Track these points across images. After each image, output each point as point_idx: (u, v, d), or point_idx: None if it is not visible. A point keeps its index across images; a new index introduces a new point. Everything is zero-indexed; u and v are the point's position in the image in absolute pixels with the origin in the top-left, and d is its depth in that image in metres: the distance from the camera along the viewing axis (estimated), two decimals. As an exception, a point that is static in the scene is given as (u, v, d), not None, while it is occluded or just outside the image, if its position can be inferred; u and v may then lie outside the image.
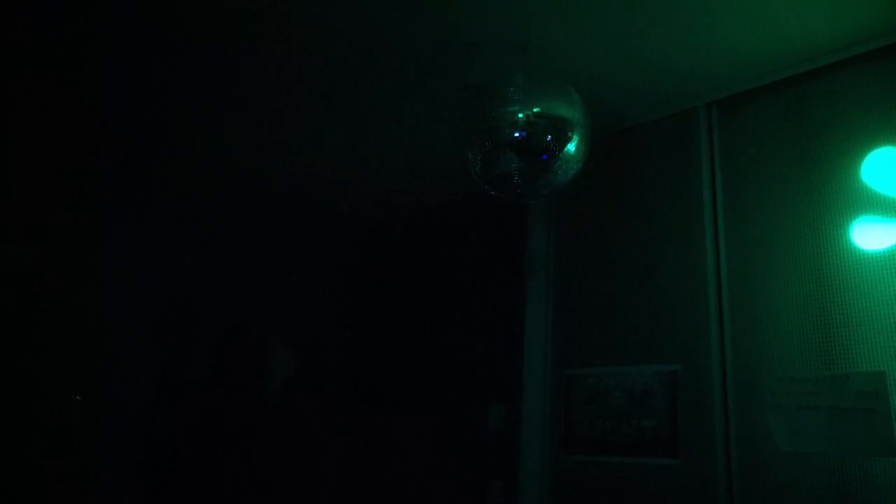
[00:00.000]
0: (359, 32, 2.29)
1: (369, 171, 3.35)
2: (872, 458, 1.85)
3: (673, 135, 2.62)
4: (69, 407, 2.66)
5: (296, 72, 2.55)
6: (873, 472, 1.84)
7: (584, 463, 2.47)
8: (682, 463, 2.22)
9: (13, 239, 2.63)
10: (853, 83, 2.20)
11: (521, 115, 2.24)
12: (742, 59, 2.32)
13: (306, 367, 3.43)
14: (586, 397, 2.54)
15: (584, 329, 2.65)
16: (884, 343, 1.92)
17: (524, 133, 2.25)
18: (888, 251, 1.99)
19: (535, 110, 2.24)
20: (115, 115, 2.94)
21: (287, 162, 3.32)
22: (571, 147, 2.30)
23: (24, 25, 2.36)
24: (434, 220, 3.74)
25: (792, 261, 2.17)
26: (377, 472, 3.36)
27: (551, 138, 2.27)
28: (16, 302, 2.60)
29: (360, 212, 3.91)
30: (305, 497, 3.34)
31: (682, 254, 2.44)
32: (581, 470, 2.48)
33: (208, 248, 3.25)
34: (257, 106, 2.82)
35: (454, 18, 2.19)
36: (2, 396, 2.50)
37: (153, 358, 2.95)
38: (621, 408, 2.42)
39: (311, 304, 3.66)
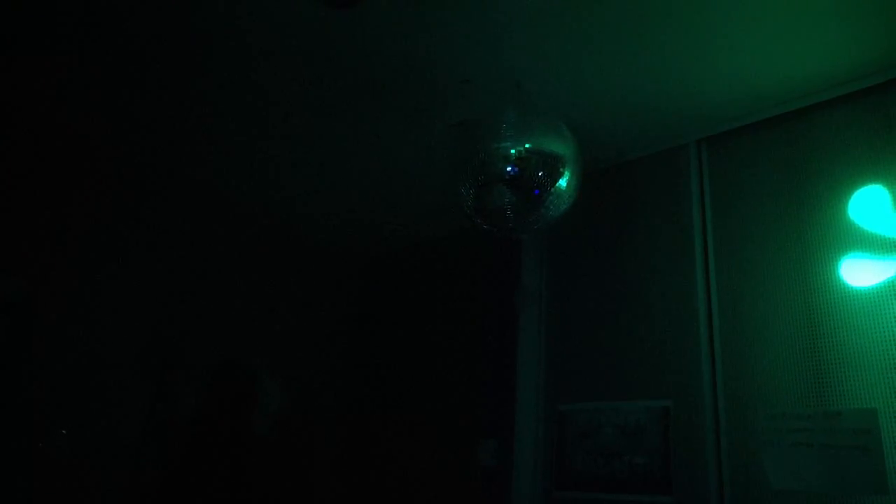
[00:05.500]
0: (354, 69, 2.32)
1: (363, 204, 3.37)
2: (865, 495, 1.84)
3: (664, 171, 2.65)
4: (56, 440, 2.63)
5: (290, 106, 2.58)
6: (866, 511, 1.83)
7: (577, 499, 2.44)
8: (674, 500, 2.20)
9: (4, 272, 2.63)
10: (841, 122, 2.23)
11: (513, 151, 2.27)
12: (732, 98, 2.36)
13: (298, 401, 3.40)
14: (578, 433, 2.52)
15: (576, 364, 2.65)
16: (875, 380, 1.92)
17: (516, 168, 2.27)
18: (877, 288, 2.00)
19: (527, 146, 2.27)
20: (108, 147, 2.95)
21: (280, 195, 3.33)
22: (563, 182, 2.32)
23: (23, 68, 2.39)
24: (426, 254, 3.74)
25: (782, 297, 2.18)
26: (368, 509, 3.31)
27: (543, 173, 2.29)
28: (6, 334, 2.58)
29: (353, 245, 3.91)
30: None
31: (674, 289, 2.45)
32: (573, 507, 2.46)
33: (199, 280, 3.25)
34: (252, 140, 2.84)
35: (448, 55, 2.23)
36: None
37: (142, 390, 2.92)
38: (613, 444, 2.41)
39: (302, 337, 3.64)
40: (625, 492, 2.32)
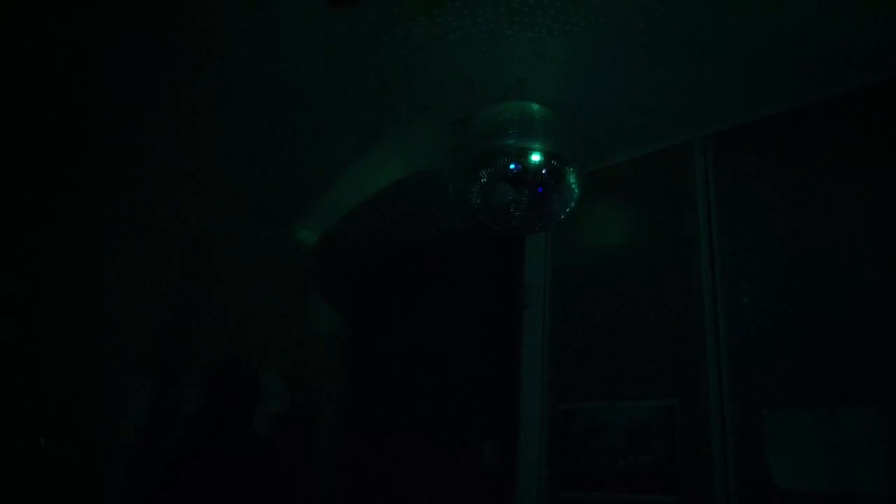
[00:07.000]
0: (354, 67, 2.31)
1: (366, 203, 3.36)
2: (871, 494, 1.82)
3: (669, 168, 2.63)
4: (57, 440, 2.61)
5: (290, 104, 2.56)
6: (874, 511, 1.82)
7: (582, 500, 2.43)
8: (679, 500, 2.19)
9: (4, 272, 2.62)
10: (845, 118, 2.22)
11: (517, 149, 2.26)
12: (738, 94, 2.34)
13: (299, 401, 3.39)
14: (583, 433, 2.50)
15: (579, 363, 2.63)
16: (881, 378, 1.90)
17: (520, 166, 2.26)
18: (884, 286, 1.99)
19: (530, 144, 2.26)
20: (109, 145, 2.94)
21: (280, 194, 3.32)
22: (567, 180, 2.32)
23: (22, 65, 2.38)
24: (430, 253, 3.73)
25: (788, 294, 2.17)
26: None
27: (547, 171, 2.28)
28: (6, 333, 2.57)
29: (356, 244, 3.90)
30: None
31: (679, 288, 2.44)
32: (577, 507, 2.44)
33: (202, 279, 3.23)
34: (251, 138, 2.83)
35: (451, 54, 2.22)
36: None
37: (143, 390, 2.91)
38: (618, 443, 2.39)
39: (304, 337, 3.62)
40: (629, 492, 2.31)
